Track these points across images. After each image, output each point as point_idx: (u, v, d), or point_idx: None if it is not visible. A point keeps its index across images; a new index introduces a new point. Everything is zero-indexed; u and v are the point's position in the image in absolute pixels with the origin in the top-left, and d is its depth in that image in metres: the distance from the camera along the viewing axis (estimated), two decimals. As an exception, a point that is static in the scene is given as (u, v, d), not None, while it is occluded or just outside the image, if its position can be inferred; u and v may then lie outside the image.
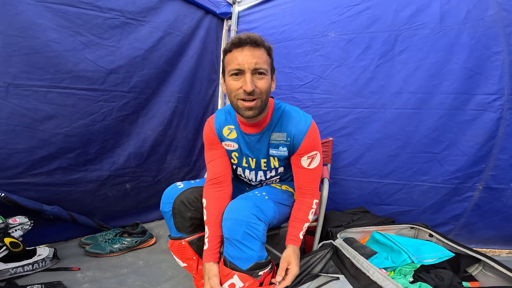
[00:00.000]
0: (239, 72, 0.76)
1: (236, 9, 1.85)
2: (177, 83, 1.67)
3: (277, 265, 0.84)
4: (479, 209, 1.37)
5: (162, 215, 0.99)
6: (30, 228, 1.13)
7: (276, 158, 0.94)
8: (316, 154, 0.90)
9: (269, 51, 0.81)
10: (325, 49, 1.54)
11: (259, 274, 0.75)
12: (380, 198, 1.52)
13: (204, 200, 0.90)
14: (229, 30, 1.90)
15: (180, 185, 0.92)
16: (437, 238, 1.19)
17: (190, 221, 0.89)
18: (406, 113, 1.40)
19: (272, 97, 0.93)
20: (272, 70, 0.85)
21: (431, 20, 1.31)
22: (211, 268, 0.79)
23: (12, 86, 1.10)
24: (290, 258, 0.82)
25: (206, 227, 0.87)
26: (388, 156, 1.46)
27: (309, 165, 0.90)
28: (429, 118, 1.36)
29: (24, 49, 1.10)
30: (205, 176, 0.99)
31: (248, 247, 0.73)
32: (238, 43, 0.76)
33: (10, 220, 1.08)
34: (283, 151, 0.91)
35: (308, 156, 0.89)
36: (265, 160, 0.95)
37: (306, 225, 0.91)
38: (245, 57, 0.75)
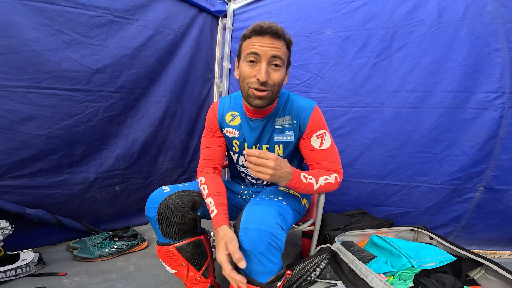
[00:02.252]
0: (255, 59, 0.75)
1: (232, 6, 1.82)
2: (169, 83, 1.64)
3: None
4: (480, 211, 1.35)
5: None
6: (11, 232, 1.09)
7: (281, 146, 0.92)
8: (325, 133, 0.88)
9: (288, 45, 0.79)
10: (322, 47, 1.52)
11: (277, 285, 0.70)
12: (379, 199, 1.49)
13: (201, 178, 0.90)
14: (224, 28, 1.88)
15: (166, 189, 0.88)
16: (437, 241, 1.17)
17: (177, 226, 0.84)
18: (405, 112, 1.37)
19: None
20: (288, 63, 0.84)
21: (428, 17, 1.29)
22: (227, 232, 0.70)
23: (-12, 86, 1.06)
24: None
25: (209, 198, 0.82)
26: (387, 156, 1.43)
27: (321, 145, 0.88)
28: (428, 117, 1.33)
29: (0, 49, 1.06)
30: (196, 180, 0.95)
31: (271, 260, 0.67)
32: (259, 31, 0.74)
33: None
34: (289, 136, 0.90)
35: (317, 136, 0.87)
36: (267, 146, 0.93)
37: (313, 180, 0.82)
38: (264, 45, 0.74)
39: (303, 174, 0.82)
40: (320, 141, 0.88)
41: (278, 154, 0.93)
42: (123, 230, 1.45)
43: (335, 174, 0.88)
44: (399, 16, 1.34)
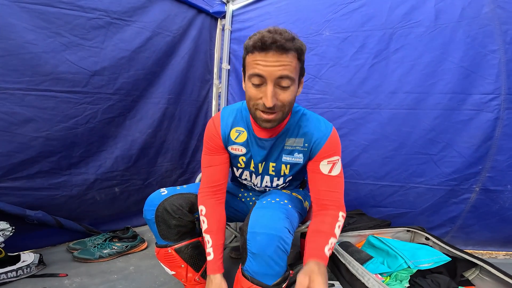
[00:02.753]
0: (260, 81, 0.66)
1: (230, 8, 1.82)
2: (167, 84, 1.64)
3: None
4: (476, 211, 1.36)
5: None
6: (11, 234, 1.10)
7: (288, 166, 0.86)
8: (338, 159, 0.80)
9: (300, 54, 0.67)
10: (320, 48, 1.52)
11: (282, 287, 0.71)
12: (376, 200, 1.50)
13: (202, 207, 0.85)
14: (223, 29, 1.88)
15: (164, 191, 0.89)
16: (433, 242, 1.18)
17: (175, 229, 0.85)
18: (402, 114, 1.37)
19: None
20: (301, 73, 0.73)
21: (426, 18, 1.29)
22: (220, 284, 0.75)
23: (-14, 89, 1.06)
24: (313, 275, 0.61)
25: (207, 235, 0.82)
26: (384, 157, 1.44)
27: (330, 171, 0.79)
28: (425, 118, 1.34)
29: None
30: (195, 181, 0.95)
31: (278, 263, 0.67)
32: (261, 47, 0.63)
33: None
34: (298, 158, 0.83)
35: (328, 161, 0.79)
36: (274, 164, 0.87)
37: (333, 240, 0.73)
38: (268, 64, 0.64)
39: (326, 247, 0.70)
40: (330, 167, 0.79)
41: (284, 173, 0.89)
42: (123, 231, 1.46)
43: (341, 213, 0.79)
44: (396, 17, 1.34)
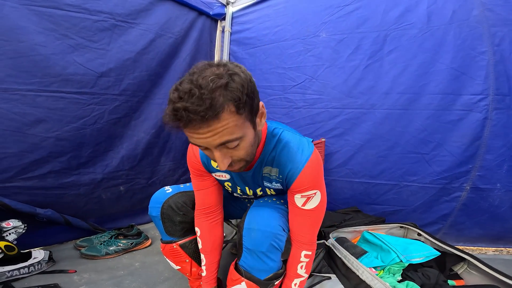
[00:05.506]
0: (203, 147, 0.56)
1: (230, 10, 1.85)
2: (170, 85, 1.60)
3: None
4: (467, 209, 1.39)
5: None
6: (24, 231, 1.14)
7: (271, 190, 0.83)
8: (314, 193, 0.71)
9: (238, 104, 0.51)
10: (317, 49, 1.56)
11: (275, 283, 0.75)
12: (371, 198, 1.54)
13: (197, 229, 0.88)
14: (223, 31, 1.91)
15: (168, 189, 0.92)
16: (425, 237, 1.22)
17: (180, 225, 0.89)
18: (395, 114, 1.41)
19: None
20: (253, 114, 0.58)
21: (418, 20, 1.33)
22: None
23: (-1, 90, 1.09)
24: None
25: (202, 255, 0.87)
26: (378, 157, 1.47)
27: (303, 204, 0.72)
28: (417, 118, 1.38)
29: (9, 53, 1.09)
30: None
31: (271, 259, 0.71)
32: (180, 124, 0.49)
33: (4, 224, 1.09)
34: (277, 186, 0.79)
35: (302, 195, 0.71)
36: (260, 188, 0.84)
37: (300, 279, 0.77)
38: (200, 137, 0.52)
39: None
40: (304, 201, 0.71)
41: (271, 194, 0.87)
42: (127, 229, 1.49)
43: (304, 252, 0.76)
44: (390, 19, 1.38)
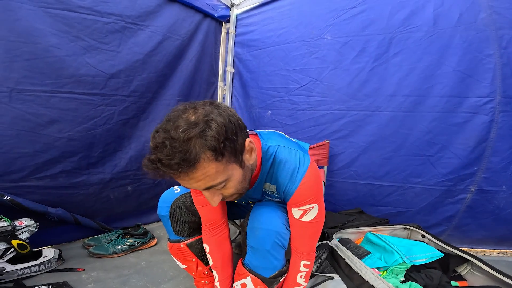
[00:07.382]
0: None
1: (235, 12, 1.87)
2: (177, 87, 1.69)
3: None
4: (472, 211, 1.39)
5: (162, 217, 1.00)
6: (36, 230, 1.16)
7: (272, 199, 0.84)
8: (312, 207, 0.71)
9: (216, 151, 0.50)
10: (321, 52, 1.56)
11: (279, 281, 0.76)
12: (375, 199, 1.54)
13: (206, 246, 0.88)
14: (227, 33, 1.93)
15: (177, 189, 0.94)
16: (428, 239, 1.23)
17: (188, 224, 0.91)
18: (400, 116, 1.41)
19: (256, 135, 0.77)
20: (239, 154, 0.57)
21: (424, 23, 1.32)
22: None
23: (15, 91, 1.12)
24: None
25: (214, 271, 0.88)
26: (383, 158, 1.47)
27: (301, 216, 0.72)
28: (422, 120, 1.37)
29: (25, 55, 1.11)
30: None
31: (275, 257, 0.72)
32: (158, 174, 0.50)
33: (17, 223, 1.11)
34: (277, 200, 0.81)
35: (299, 209, 0.72)
36: (262, 200, 0.87)
37: None
38: (184, 183, 0.54)
39: None
40: (302, 213, 0.72)
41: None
42: (134, 228, 1.51)
43: (303, 262, 0.77)
44: (396, 22, 1.37)
